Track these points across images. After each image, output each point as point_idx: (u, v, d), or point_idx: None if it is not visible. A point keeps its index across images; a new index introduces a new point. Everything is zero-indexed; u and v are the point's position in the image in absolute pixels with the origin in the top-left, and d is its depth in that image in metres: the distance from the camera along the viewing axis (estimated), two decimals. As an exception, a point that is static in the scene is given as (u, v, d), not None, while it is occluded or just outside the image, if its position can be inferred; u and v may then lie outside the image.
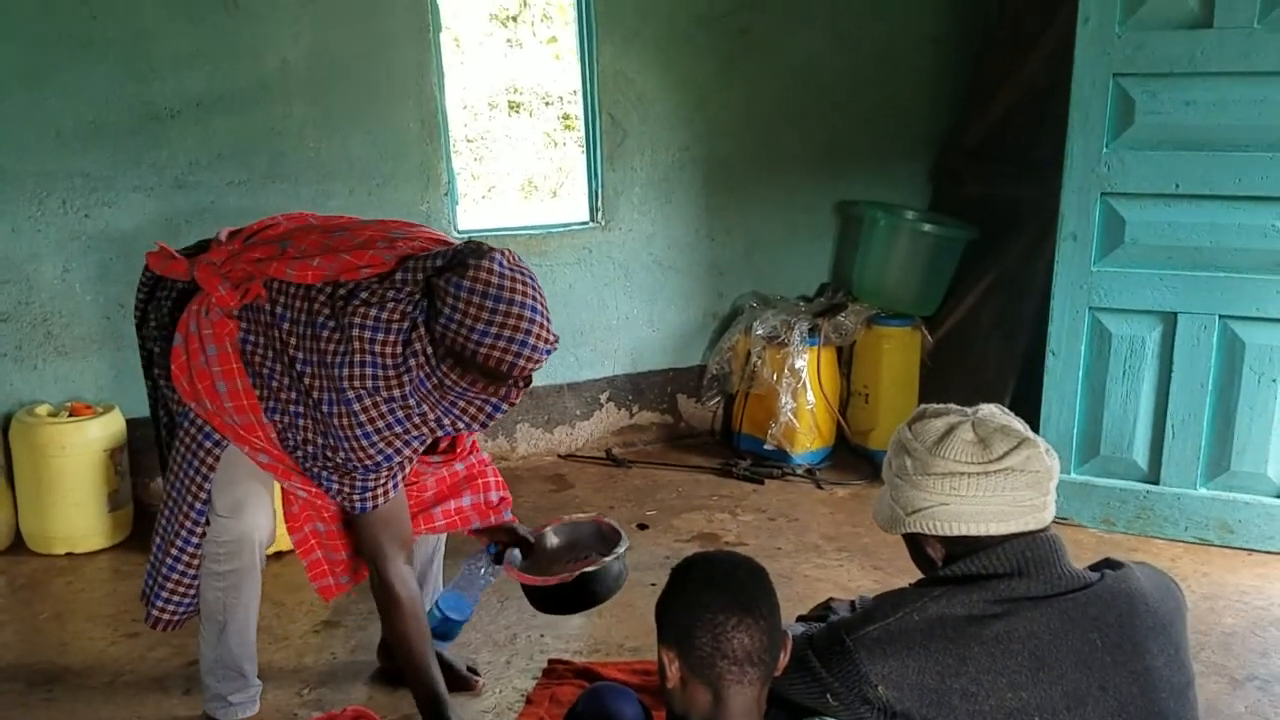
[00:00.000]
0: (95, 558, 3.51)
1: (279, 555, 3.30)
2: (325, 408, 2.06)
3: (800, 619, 2.03)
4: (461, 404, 2.03)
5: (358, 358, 2.00)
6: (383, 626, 2.44)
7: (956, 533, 1.60)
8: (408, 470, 2.20)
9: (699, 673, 1.54)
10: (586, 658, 2.80)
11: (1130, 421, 3.52)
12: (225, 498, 2.30)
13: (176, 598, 2.39)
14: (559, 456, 4.41)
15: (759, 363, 4.27)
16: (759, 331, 4.28)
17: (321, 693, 2.68)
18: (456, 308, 1.92)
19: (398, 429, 2.06)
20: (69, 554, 3.50)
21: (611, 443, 4.50)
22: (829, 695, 1.58)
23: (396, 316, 2.00)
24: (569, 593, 2.38)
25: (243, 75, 3.73)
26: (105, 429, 3.54)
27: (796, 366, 4.19)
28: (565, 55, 5.84)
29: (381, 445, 2.07)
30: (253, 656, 2.48)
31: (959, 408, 1.71)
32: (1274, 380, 3.32)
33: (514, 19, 6.72)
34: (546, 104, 7.27)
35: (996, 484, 1.57)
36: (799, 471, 4.20)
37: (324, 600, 2.54)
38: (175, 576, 2.36)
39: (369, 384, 2.01)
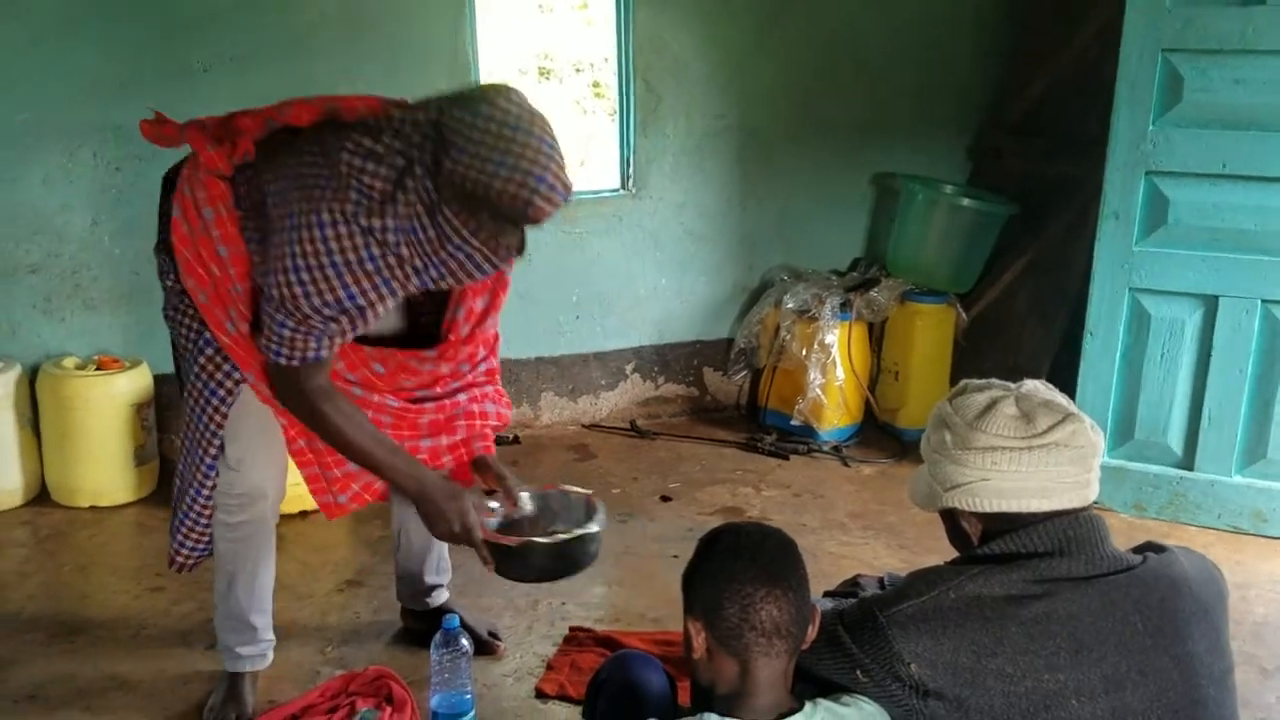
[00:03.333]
0: (120, 511, 3.52)
1: (304, 514, 3.31)
2: (290, 220, 1.91)
3: (828, 594, 2.00)
4: (454, 261, 1.92)
5: (343, 181, 1.89)
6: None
7: (996, 509, 1.56)
8: (358, 328, 2.04)
9: (726, 644, 1.51)
10: (608, 626, 2.80)
11: (1166, 406, 3.46)
12: (234, 451, 2.27)
13: (190, 542, 2.41)
14: (583, 426, 4.39)
15: (788, 337, 4.22)
16: (789, 305, 4.23)
17: (344, 651, 2.69)
18: (471, 138, 1.81)
19: (369, 265, 1.92)
20: (93, 507, 3.51)
21: (635, 414, 4.47)
22: (859, 671, 1.55)
23: (391, 151, 1.89)
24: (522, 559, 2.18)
25: (277, 29, 3.70)
26: (132, 383, 3.54)
27: (827, 341, 4.13)
28: (597, 21, 5.77)
29: (348, 280, 1.93)
30: (264, 610, 2.46)
31: (1001, 382, 1.67)
32: (1316, 368, 3.26)
33: (545, -15, 6.65)
34: (577, 71, 7.21)
35: (1039, 459, 1.53)
36: (825, 448, 4.15)
37: (328, 518, 2.45)
38: (189, 523, 2.38)
39: (348, 208, 1.89)
